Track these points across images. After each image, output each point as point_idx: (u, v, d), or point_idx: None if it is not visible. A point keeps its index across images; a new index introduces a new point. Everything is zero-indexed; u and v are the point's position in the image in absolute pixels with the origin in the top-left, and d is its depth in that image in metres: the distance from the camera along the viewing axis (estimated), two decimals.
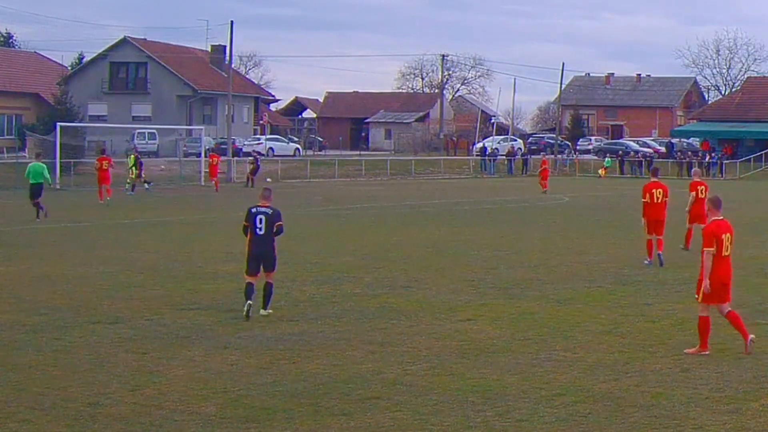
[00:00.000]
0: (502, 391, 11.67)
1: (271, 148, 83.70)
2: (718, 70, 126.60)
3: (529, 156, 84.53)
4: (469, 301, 17.82)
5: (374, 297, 18.17)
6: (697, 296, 13.78)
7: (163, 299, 17.70)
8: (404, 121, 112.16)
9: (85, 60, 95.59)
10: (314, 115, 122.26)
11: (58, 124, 57.14)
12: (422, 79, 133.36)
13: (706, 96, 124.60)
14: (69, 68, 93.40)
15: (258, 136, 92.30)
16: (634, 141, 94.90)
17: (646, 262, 22.98)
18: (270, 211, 16.20)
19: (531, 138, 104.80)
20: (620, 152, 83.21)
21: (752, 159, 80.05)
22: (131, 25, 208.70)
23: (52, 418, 10.44)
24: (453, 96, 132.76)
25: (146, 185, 50.30)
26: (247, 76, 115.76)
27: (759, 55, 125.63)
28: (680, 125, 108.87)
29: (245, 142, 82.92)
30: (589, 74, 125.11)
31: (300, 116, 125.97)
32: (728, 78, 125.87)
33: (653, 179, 23.69)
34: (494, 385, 11.90)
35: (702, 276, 13.56)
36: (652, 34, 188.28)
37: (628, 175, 76.77)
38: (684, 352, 13.65)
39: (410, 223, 34.52)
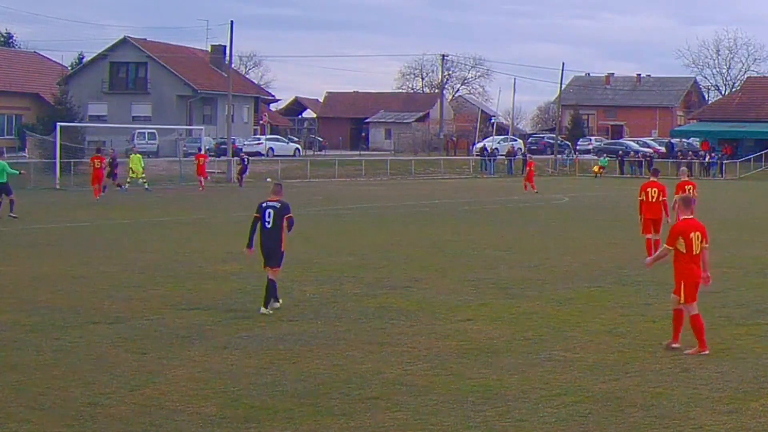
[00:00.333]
0: (502, 391, 11.67)
1: (271, 148, 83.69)
2: (718, 70, 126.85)
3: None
4: (469, 301, 17.82)
5: (374, 297, 18.17)
6: (678, 297, 13.85)
7: (163, 299, 17.70)
8: (404, 121, 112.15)
9: (85, 60, 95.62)
10: (314, 115, 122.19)
11: (58, 124, 57.10)
12: (422, 79, 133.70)
13: (706, 96, 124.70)
14: (69, 68, 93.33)
15: (258, 136, 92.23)
16: (634, 141, 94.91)
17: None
18: (278, 205, 16.54)
19: (531, 138, 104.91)
20: (620, 152, 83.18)
21: (752, 159, 79.99)
22: (131, 25, 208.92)
23: (52, 418, 10.44)
24: (453, 96, 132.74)
25: (119, 188, 49.16)
26: (247, 76, 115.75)
27: (759, 55, 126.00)
28: (680, 125, 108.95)
29: (245, 142, 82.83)
30: (589, 74, 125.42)
31: (300, 116, 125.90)
32: (728, 78, 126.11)
33: (652, 179, 23.84)
34: (494, 385, 11.90)
35: (678, 277, 13.74)
36: (652, 34, 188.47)
37: (628, 175, 76.70)
38: (684, 353, 13.65)
39: (410, 223, 34.51)
